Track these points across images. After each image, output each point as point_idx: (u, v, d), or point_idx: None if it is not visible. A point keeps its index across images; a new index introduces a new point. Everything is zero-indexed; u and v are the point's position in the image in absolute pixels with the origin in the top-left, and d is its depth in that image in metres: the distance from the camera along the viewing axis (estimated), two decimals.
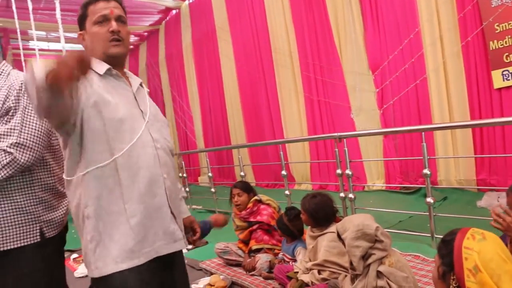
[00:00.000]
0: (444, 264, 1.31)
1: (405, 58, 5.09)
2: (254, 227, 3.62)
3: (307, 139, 6.46)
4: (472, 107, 4.64)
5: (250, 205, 3.64)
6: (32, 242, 1.74)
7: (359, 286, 2.31)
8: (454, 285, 1.26)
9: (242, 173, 5.61)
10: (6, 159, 1.63)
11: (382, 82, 5.37)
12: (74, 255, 4.89)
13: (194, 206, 6.97)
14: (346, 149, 4.06)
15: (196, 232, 1.91)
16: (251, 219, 3.64)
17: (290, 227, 3.21)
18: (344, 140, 4.12)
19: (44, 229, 1.77)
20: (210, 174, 6.39)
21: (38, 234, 1.75)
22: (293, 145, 6.79)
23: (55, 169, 1.86)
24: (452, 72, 4.72)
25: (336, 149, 4.18)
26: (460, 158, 4.76)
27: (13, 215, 1.71)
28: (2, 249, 1.69)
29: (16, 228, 1.71)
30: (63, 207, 1.88)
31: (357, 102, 5.69)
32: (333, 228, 2.80)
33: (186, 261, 4.05)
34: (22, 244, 1.72)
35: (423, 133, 3.48)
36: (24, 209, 1.72)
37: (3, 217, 1.69)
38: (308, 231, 3.00)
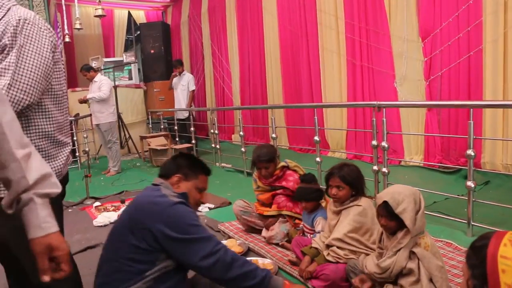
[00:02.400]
0: (475, 276, 1.05)
1: (460, 26, 4.64)
2: (278, 191, 3.44)
3: (344, 105, 6.15)
4: None
5: (277, 171, 3.45)
6: None
7: (386, 262, 2.13)
8: None
9: (273, 135, 5.43)
10: None
11: (432, 51, 4.96)
12: (97, 203, 4.89)
13: (223, 164, 6.88)
14: (384, 119, 3.79)
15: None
16: (276, 184, 3.47)
17: (312, 188, 3.01)
18: (384, 109, 3.84)
19: None
20: (241, 133, 6.23)
21: None
22: (331, 110, 6.50)
23: (56, 115, 1.71)
24: None
25: (374, 119, 3.91)
26: (509, 141, 4.38)
27: None
28: None
29: None
30: (62, 157, 1.75)
31: (402, 71, 5.32)
32: (361, 201, 2.60)
33: (205, 221, 3.96)
34: None
35: (471, 109, 3.14)
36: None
37: None
38: (330, 205, 2.80)
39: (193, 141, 7.69)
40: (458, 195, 3.64)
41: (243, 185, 5.45)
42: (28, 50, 1.56)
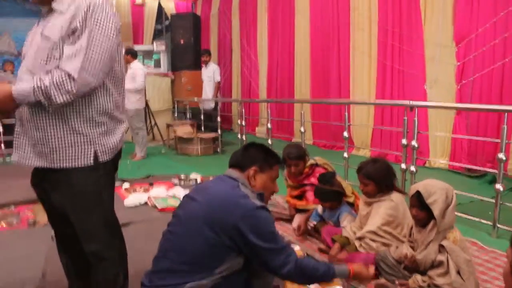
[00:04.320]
0: None
1: (497, 32, 4.66)
2: (307, 188, 3.53)
3: (377, 104, 6.19)
4: None
5: (306, 170, 3.53)
6: (86, 164, 1.75)
7: (420, 255, 2.23)
8: None
9: (302, 129, 5.52)
10: (69, 84, 1.60)
11: (465, 55, 4.99)
12: (126, 185, 5.03)
13: None
14: (416, 119, 3.86)
15: None
16: (305, 182, 3.55)
17: (332, 189, 3.08)
18: (416, 109, 3.90)
19: (99, 153, 1.78)
20: (269, 126, 6.33)
21: (92, 157, 1.76)
22: (358, 108, 6.57)
23: (114, 94, 1.83)
24: None
25: (405, 118, 3.98)
26: None
27: (70, 136, 1.72)
28: (56, 166, 1.73)
29: (72, 148, 1.72)
30: (119, 133, 1.87)
31: (433, 74, 5.36)
32: (393, 196, 2.69)
33: None
34: (76, 165, 1.74)
35: (506, 113, 3.20)
36: (80, 131, 1.73)
37: (60, 137, 1.71)
38: (362, 196, 2.89)
39: (219, 132, 7.82)
40: (485, 198, 3.68)
41: None
42: (97, 34, 1.67)
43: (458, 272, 2.13)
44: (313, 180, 3.49)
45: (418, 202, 2.20)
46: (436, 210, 2.14)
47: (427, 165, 5.51)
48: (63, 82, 1.59)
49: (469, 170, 4.93)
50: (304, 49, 7.78)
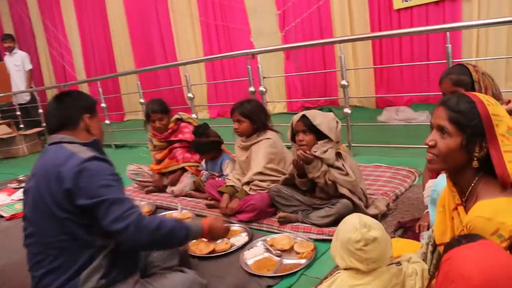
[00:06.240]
0: (471, 133, 1.20)
1: None
2: (176, 145, 3.46)
3: (218, 57, 5.97)
4: (373, 28, 4.86)
5: (171, 125, 3.46)
6: None
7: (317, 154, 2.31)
8: (479, 153, 1.20)
9: (141, 100, 5.31)
10: None
11: (284, 3, 5.32)
12: None
13: None
14: (260, 65, 4.01)
15: None
16: (172, 138, 3.47)
17: (210, 139, 3.09)
18: (257, 56, 4.05)
19: None
20: (104, 105, 5.92)
21: None
22: (188, 69, 6.51)
23: None
24: None
25: (249, 66, 4.10)
26: (360, 78, 5.04)
27: None
28: None
29: None
30: None
31: (257, 25, 5.61)
32: (268, 134, 2.76)
33: None
34: None
35: (340, 44, 3.53)
36: None
37: None
38: (236, 142, 2.92)
39: (44, 124, 7.07)
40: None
41: (119, 156, 5.24)
42: None
43: None
44: (181, 136, 3.46)
45: (304, 125, 2.31)
46: (325, 130, 2.28)
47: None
48: None
49: (307, 108, 5.36)
50: (119, 20, 7.43)
